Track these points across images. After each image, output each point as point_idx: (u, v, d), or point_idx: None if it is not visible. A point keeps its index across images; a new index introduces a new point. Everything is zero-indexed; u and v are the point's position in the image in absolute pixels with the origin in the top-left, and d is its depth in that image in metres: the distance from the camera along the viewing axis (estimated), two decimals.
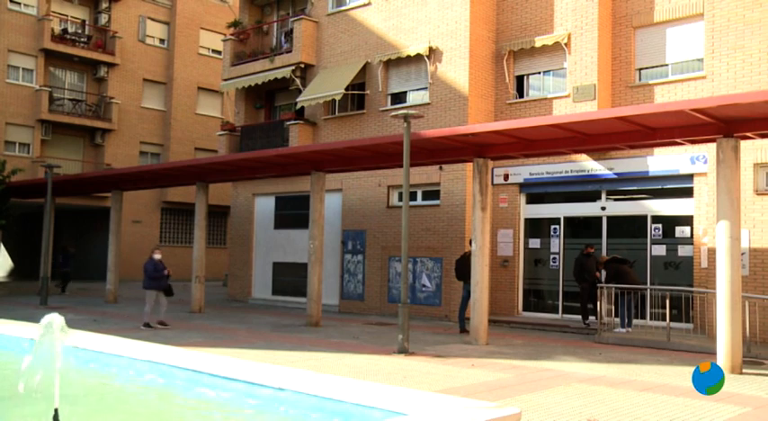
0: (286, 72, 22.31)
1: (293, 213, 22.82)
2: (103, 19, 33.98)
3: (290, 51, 22.64)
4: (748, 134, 11.74)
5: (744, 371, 11.02)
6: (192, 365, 7.44)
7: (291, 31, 22.96)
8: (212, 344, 13.18)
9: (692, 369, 11.07)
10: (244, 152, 22.40)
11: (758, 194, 14.32)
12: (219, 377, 7.11)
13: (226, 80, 24.64)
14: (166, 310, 16.34)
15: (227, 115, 28.69)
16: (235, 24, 25.16)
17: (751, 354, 12.20)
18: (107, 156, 33.23)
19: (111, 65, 33.51)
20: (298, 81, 22.25)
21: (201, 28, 36.67)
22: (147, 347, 8.62)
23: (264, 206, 24.08)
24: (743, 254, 13.39)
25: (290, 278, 22.58)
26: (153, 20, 35.58)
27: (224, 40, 25.54)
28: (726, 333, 11.09)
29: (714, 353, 11.28)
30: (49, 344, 5.29)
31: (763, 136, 12.11)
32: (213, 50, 36.23)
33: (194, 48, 36.49)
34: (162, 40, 36.10)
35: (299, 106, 22.08)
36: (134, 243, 30.34)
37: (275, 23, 24.90)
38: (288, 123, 22.43)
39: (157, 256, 16.50)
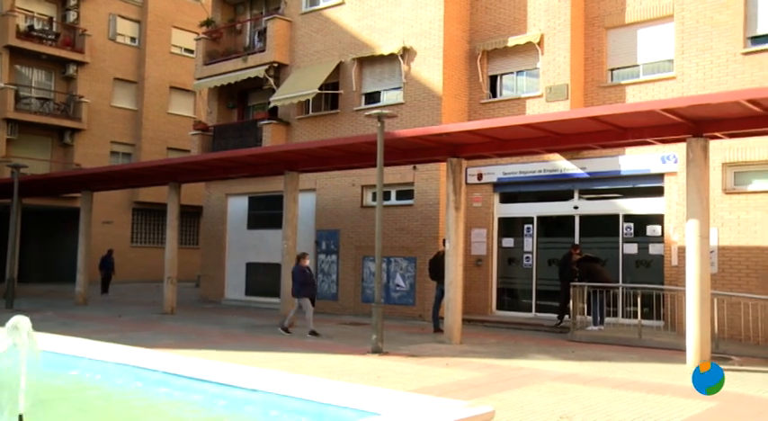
0: (259, 71, 22.19)
1: (267, 213, 22.69)
2: (72, 16, 33.46)
3: (264, 50, 22.51)
4: (717, 134, 11.90)
5: None
6: (164, 367, 7.36)
7: (265, 30, 22.83)
8: (184, 345, 13.05)
9: (663, 365, 11.25)
10: (216, 152, 22.22)
11: (726, 193, 14.52)
12: (191, 379, 7.03)
13: (198, 79, 24.44)
14: (142, 313, 16.12)
15: (200, 115, 28.49)
16: (207, 23, 24.96)
17: (719, 350, 12.36)
18: (76, 156, 32.77)
19: (80, 63, 33.07)
20: (271, 80, 22.12)
21: (174, 26, 36.36)
22: (117, 350, 8.51)
23: (237, 206, 23.92)
24: (712, 252, 13.54)
25: (264, 278, 22.45)
26: (123, 18, 35.18)
27: (196, 39, 25.33)
28: (695, 330, 11.23)
29: (684, 350, 11.42)
30: (15, 348, 5.19)
31: (731, 136, 12.29)
32: (186, 49, 35.90)
33: (166, 46, 36.16)
34: (133, 39, 35.70)
35: (272, 106, 21.97)
36: (105, 244, 29.89)
37: (248, 22, 24.74)
38: (261, 123, 22.32)
39: (306, 262, 15.70)
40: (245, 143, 22.25)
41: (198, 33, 26.42)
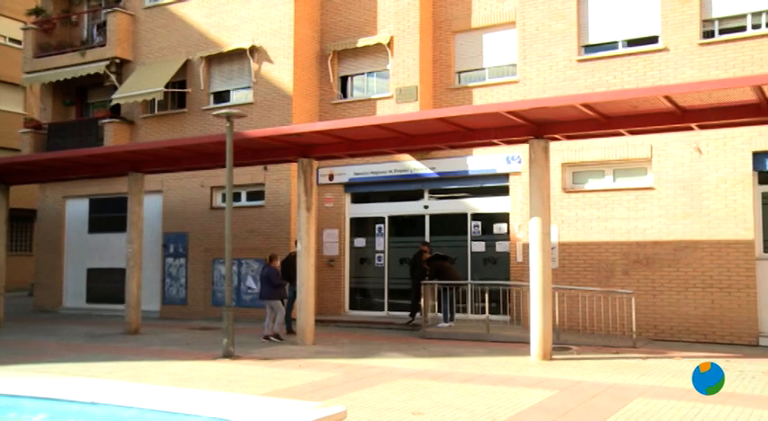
0: (99, 67, 20.98)
1: (110, 216, 21.55)
2: None
3: (104, 45, 21.34)
4: (556, 136, 12.53)
5: (553, 357, 11.74)
6: None
7: (104, 23, 21.64)
8: (12, 360, 11.98)
9: (509, 358, 11.68)
10: (52, 151, 20.77)
11: (565, 192, 15.33)
12: (18, 397, 6.45)
13: (28, 73, 22.69)
14: None
15: (32, 111, 26.51)
16: (36, 12, 23.14)
17: (560, 341, 13.02)
18: None
19: None
20: (113, 77, 21.00)
21: None
22: None
23: (77, 209, 22.53)
24: (553, 248, 14.25)
25: (107, 284, 21.28)
26: None
27: (24, 29, 23.52)
28: (538, 322, 11.74)
29: (529, 343, 11.92)
30: None
31: (569, 137, 12.98)
32: (11, 39, 32.99)
33: None
34: None
35: (114, 104, 20.83)
36: None
37: (86, 14, 23.34)
38: (102, 122, 21.17)
39: (277, 263, 15.07)
40: (85, 142, 20.96)
41: (26, 22, 24.53)
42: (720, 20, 14.22)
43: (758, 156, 13.61)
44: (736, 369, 10.49)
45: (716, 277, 13.63)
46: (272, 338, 14.55)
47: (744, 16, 14.03)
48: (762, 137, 13.43)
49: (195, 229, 19.86)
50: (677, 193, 14.15)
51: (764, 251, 13.56)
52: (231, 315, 12.30)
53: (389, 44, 17.84)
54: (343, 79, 19.06)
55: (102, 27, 22.00)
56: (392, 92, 17.64)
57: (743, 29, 13.99)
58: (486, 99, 16.53)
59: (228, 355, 12.04)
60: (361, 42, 18.23)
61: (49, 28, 22.97)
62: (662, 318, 14.06)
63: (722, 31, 14.18)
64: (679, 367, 10.76)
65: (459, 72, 17.43)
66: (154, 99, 20.43)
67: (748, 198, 13.54)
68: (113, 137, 20.75)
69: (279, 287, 15.01)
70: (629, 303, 13.47)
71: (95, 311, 21.28)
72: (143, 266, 17.23)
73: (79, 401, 6.18)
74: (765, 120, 11.46)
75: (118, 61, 21.15)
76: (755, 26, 13.91)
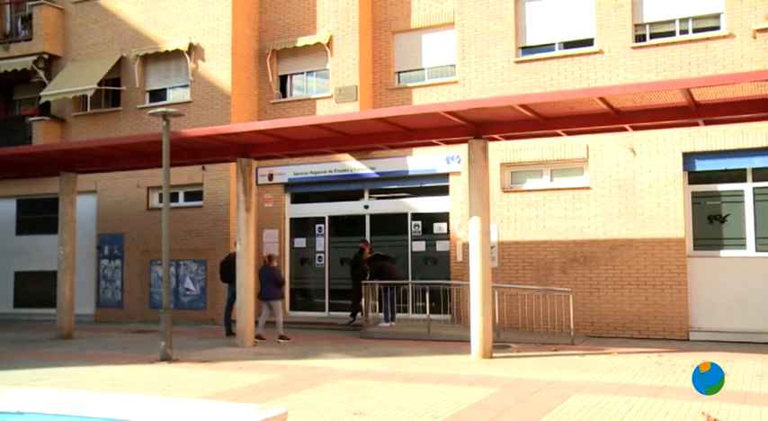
0: (26, 62, 20.28)
1: (40, 217, 20.86)
2: None
3: (30, 39, 20.64)
4: (495, 136, 12.67)
5: (494, 355, 11.85)
6: None
7: (30, 16, 20.91)
8: None
9: (450, 357, 11.75)
10: None
11: (504, 192, 15.51)
12: None
13: None
14: None
15: None
16: None
17: (500, 339, 13.16)
18: None
19: None
20: (41, 73, 20.34)
21: None
22: None
23: (3, 210, 21.73)
24: (492, 247, 14.38)
25: (37, 288, 20.58)
26: None
27: None
28: (478, 321, 11.84)
29: (469, 341, 12.00)
30: None
31: (507, 137, 13.15)
32: None
33: None
34: None
35: (43, 101, 20.16)
36: None
37: (8, 6, 22.45)
38: (31, 119, 20.47)
39: (275, 263, 15.08)
40: (11, 141, 20.23)
41: None
42: (651, 24, 14.61)
43: (688, 157, 14.04)
44: (668, 363, 10.79)
45: (650, 274, 14.00)
46: (280, 339, 14.38)
47: (673, 21, 14.45)
48: (691, 138, 13.86)
49: (131, 230, 19.41)
50: (613, 193, 14.48)
51: (694, 249, 13.99)
52: (169, 317, 12.08)
53: (329, 44, 17.77)
54: (283, 78, 18.90)
55: (27, 20, 21.24)
56: (332, 91, 17.58)
57: (672, 34, 14.40)
58: (426, 99, 16.61)
59: (166, 358, 11.80)
60: (301, 41, 18.11)
61: None
62: (599, 315, 14.36)
63: (653, 35, 14.58)
64: (615, 363, 11.00)
65: (399, 72, 17.49)
66: (86, 96, 19.90)
67: (679, 197, 13.95)
68: (43, 135, 20.11)
69: (282, 286, 15.21)
70: (567, 301, 13.71)
71: (24, 316, 20.57)
72: (76, 269, 16.74)
73: (2, 412, 5.93)
74: (694, 121, 11.82)
75: (46, 57, 20.51)
76: (683, 31, 14.33)
